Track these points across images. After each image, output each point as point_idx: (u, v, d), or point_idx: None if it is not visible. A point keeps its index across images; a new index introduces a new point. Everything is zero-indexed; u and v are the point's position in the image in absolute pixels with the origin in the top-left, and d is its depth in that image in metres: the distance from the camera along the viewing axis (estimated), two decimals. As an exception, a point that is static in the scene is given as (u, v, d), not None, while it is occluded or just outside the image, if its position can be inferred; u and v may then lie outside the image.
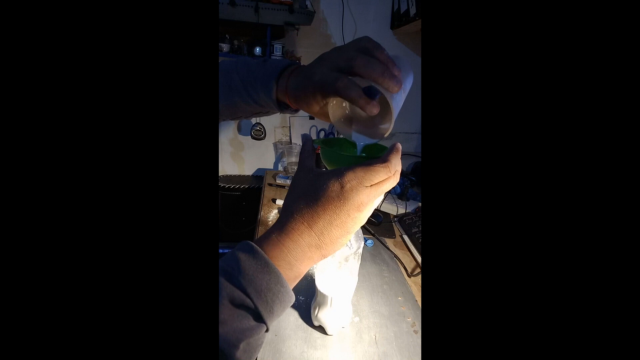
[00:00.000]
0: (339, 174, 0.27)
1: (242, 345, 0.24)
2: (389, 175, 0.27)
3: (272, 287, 0.25)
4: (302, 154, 0.31)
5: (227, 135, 1.34)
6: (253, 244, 0.26)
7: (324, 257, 0.28)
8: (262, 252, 0.25)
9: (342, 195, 0.26)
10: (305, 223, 0.26)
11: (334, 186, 0.26)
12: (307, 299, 0.56)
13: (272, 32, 1.05)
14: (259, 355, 0.45)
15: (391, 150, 0.28)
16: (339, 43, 1.20)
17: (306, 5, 1.03)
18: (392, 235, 0.82)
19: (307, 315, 0.52)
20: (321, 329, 0.50)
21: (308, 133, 0.34)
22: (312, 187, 0.27)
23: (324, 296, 0.47)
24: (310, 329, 0.50)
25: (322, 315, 0.49)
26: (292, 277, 0.27)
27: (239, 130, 1.32)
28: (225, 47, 1.07)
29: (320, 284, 0.48)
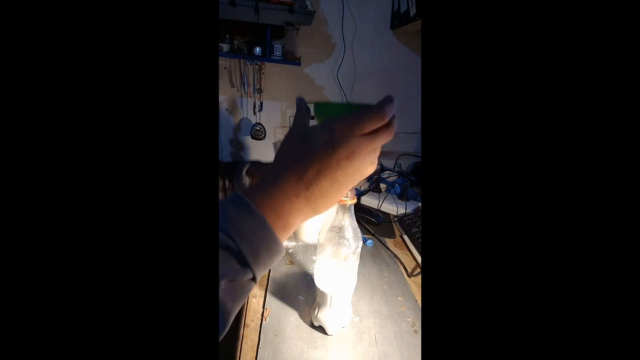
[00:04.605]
0: (328, 123, 0.26)
1: (222, 284, 0.23)
2: (382, 123, 0.26)
3: (257, 231, 0.24)
4: (296, 114, 0.30)
5: (227, 135, 1.33)
6: (240, 194, 0.25)
7: (315, 211, 0.27)
8: (247, 199, 0.25)
9: (330, 143, 0.25)
10: (293, 173, 0.26)
11: (323, 134, 0.26)
12: (307, 299, 0.56)
13: (272, 32, 1.05)
14: (259, 355, 0.45)
15: (384, 99, 0.27)
16: (339, 43, 1.20)
17: (306, 5, 1.03)
18: (392, 235, 0.82)
19: (307, 315, 0.52)
20: (321, 329, 0.50)
21: None
22: (303, 139, 0.27)
23: (323, 295, 0.47)
24: (310, 329, 0.50)
25: (322, 315, 0.49)
26: (280, 227, 0.25)
27: (239, 130, 1.32)
28: (225, 47, 1.07)
29: (319, 283, 0.48)
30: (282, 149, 0.28)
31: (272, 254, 0.25)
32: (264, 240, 0.24)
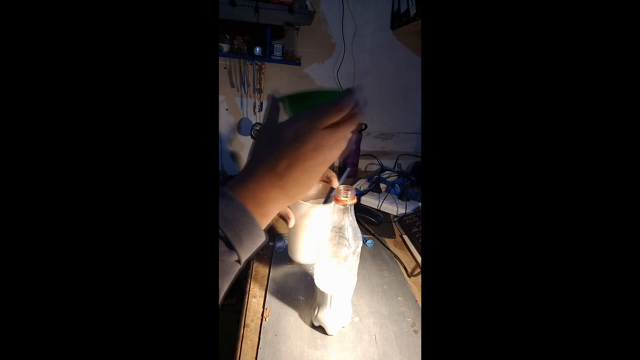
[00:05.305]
0: (294, 120, 0.29)
1: None
2: (341, 116, 0.29)
3: (238, 217, 0.27)
4: (267, 110, 0.33)
5: (227, 135, 1.33)
6: (221, 187, 0.28)
7: (291, 198, 0.30)
8: (227, 191, 0.28)
9: (297, 139, 0.28)
10: (266, 166, 0.29)
11: (290, 131, 0.29)
12: (307, 299, 0.56)
13: (272, 32, 1.05)
14: (259, 355, 0.45)
15: (344, 93, 0.30)
16: (339, 43, 1.20)
17: (306, 5, 1.03)
18: (392, 235, 0.82)
19: (307, 315, 0.52)
20: (321, 329, 0.50)
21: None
22: (273, 135, 0.30)
23: (323, 295, 0.47)
24: (310, 329, 0.50)
25: (322, 315, 0.49)
26: (259, 214, 0.28)
27: (239, 130, 1.32)
28: (225, 47, 1.07)
29: (319, 283, 0.48)
30: (257, 145, 0.31)
31: (253, 237, 0.28)
32: (245, 225, 0.27)
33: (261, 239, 0.28)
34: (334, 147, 0.29)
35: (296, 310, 0.54)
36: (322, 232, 0.46)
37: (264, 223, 0.29)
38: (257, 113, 1.24)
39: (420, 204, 0.94)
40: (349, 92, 0.29)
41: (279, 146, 0.28)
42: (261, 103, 1.23)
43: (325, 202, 0.57)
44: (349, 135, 0.30)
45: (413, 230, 0.79)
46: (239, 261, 0.27)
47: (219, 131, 1.30)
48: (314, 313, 0.50)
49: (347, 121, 0.29)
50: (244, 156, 1.39)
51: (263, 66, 1.15)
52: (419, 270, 0.68)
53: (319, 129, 0.28)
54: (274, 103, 0.33)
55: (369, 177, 1.12)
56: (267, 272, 0.63)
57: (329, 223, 0.45)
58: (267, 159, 0.29)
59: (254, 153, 0.31)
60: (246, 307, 0.54)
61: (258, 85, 1.18)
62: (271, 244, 0.71)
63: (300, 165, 0.28)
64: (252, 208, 0.27)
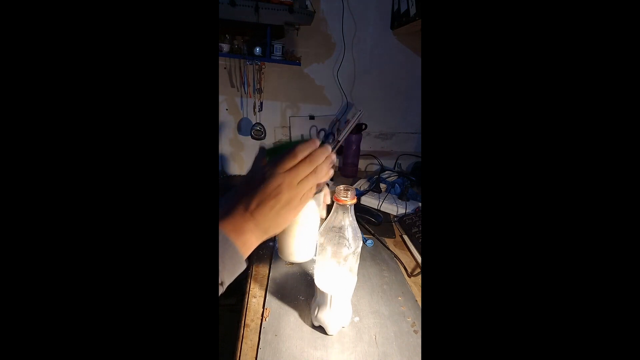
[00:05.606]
0: (264, 166, 0.35)
1: None
2: (296, 162, 0.34)
3: (222, 245, 0.31)
4: (255, 158, 0.39)
5: (227, 135, 1.33)
6: None
7: (266, 232, 0.35)
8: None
9: (263, 182, 0.34)
10: (241, 204, 0.34)
11: (259, 175, 0.35)
12: (307, 299, 0.56)
13: (272, 32, 1.05)
14: (259, 355, 0.45)
15: (301, 143, 0.35)
16: (339, 43, 1.20)
17: (306, 5, 1.03)
18: (392, 235, 0.82)
19: (307, 315, 0.52)
20: (321, 329, 0.50)
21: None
22: (250, 177, 0.36)
23: (323, 295, 0.47)
24: (310, 329, 0.50)
25: (322, 315, 0.49)
26: (240, 243, 0.33)
27: (239, 130, 1.32)
28: (225, 47, 1.07)
29: (319, 283, 0.48)
30: (239, 184, 0.37)
31: (234, 263, 0.32)
32: (228, 251, 0.31)
33: (242, 266, 0.32)
34: (298, 187, 0.34)
35: (296, 310, 0.54)
36: (313, 228, 0.46)
37: (245, 251, 0.33)
38: (257, 113, 1.24)
39: (420, 204, 0.94)
40: (303, 141, 0.35)
41: (251, 186, 0.34)
42: (261, 103, 1.23)
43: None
44: (315, 175, 0.35)
45: (413, 230, 0.79)
46: (222, 284, 0.30)
47: (219, 131, 1.30)
48: (314, 313, 0.50)
49: (302, 165, 0.34)
50: (244, 156, 1.39)
51: (263, 66, 1.15)
52: (419, 270, 0.68)
53: (279, 173, 0.33)
54: (261, 153, 0.39)
55: (369, 177, 1.11)
56: (267, 272, 0.63)
57: (318, 218, 0.45)
58: (243, 199, 0.34)
59: (237, 190, 0.36)
60: (246, 307, 0.54)
61: (258, 85, 1.18)
62: (271, 244, 0.71)
63: (267, 203, 0.33)
64: (234, 237, 0.32)
